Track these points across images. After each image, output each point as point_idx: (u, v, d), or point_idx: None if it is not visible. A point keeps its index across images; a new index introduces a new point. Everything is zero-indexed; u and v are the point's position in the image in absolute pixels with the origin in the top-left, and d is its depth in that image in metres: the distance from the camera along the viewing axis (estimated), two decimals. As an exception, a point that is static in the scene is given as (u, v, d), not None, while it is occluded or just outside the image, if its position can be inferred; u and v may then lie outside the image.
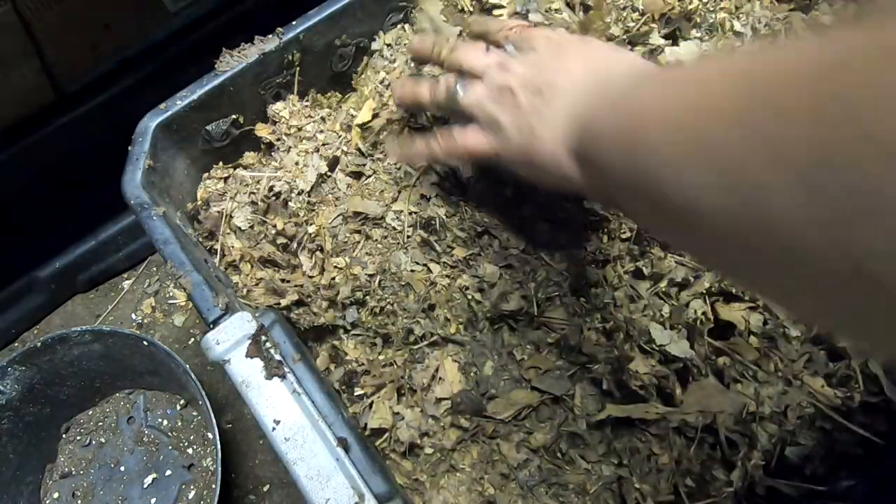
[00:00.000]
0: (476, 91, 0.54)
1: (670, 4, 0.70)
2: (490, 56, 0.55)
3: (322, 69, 0.77)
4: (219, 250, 0.69)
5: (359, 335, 0.68)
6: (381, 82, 0.76)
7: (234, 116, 0.72)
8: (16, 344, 1.17)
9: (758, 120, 0.26)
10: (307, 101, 0.77)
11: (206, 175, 0.74)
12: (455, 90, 0.56)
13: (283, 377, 0.55)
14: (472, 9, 0.74)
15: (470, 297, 0.66)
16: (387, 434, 0.63)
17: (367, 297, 0.66)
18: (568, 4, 0.72)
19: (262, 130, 0.75)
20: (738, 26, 0.71)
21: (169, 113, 0.67)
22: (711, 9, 0.72)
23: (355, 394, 0.65)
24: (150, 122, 0.66)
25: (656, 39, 0.68)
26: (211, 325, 0.57)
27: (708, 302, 0.65)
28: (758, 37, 0.68)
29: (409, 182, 0.70)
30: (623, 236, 0.68)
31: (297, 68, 0.74)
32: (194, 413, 1.05)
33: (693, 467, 0.61)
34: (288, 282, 0.68)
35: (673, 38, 0.71)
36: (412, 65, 0.75)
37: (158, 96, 0.67)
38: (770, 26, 0.68)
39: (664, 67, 0.49)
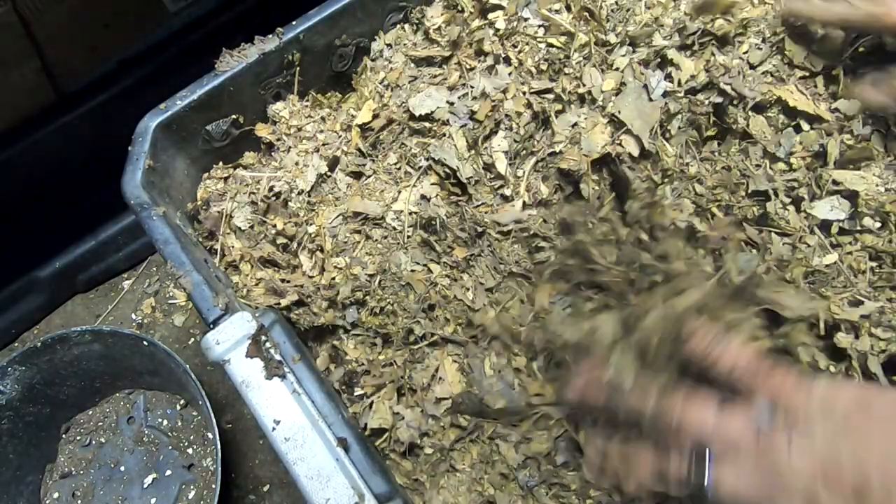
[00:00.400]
0: (733, 480, 0.39)
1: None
2: (734, 421, 0.41)
3: (322, 69, 0.77)
4: (219, 250, 0.69)
5: (359, 335, 0.68)
6: (381, 82, 0.76)
7: (234, 116, 0.72)
8: (16, 344, 1.17)
9: None
10: (307, 101, 0.77)
11: (206, 175, 0.74)
12: (699, 477, 0.40)
13: (283, 377, 0.55)
14: (472, 9, 0.74)
15: (470, 297, 0.66)
16: (387, 434, 0.63)
17: (367, 297, 0.66)
18: (567, 7, 0.72)
19: (262, 130, 0.75)
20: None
21: (169, 113, 0.67)
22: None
23: (355, 394, 0.65)
24: (150, 122, 0.66)
25: (659, 41, 0.68)
26: (211, 325, 0.57)
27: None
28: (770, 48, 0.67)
29: (409, 182, 0.70)
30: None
31: (297, 68, 0.74)
32: (194, 413, 1.05)
33: None
34: (288, 282, 0.68)
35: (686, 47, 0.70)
36: (412, 65, 0.75)
37: (158, 96, 0.67)
38: (772, 43, 0.67)
39: None
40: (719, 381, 0.44)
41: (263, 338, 0.57)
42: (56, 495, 1.01)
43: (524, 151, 0.69)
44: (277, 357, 0.56)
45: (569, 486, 0.62)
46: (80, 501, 1.01)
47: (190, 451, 1.03)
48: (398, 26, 0.79)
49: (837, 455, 0.36)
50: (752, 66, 0.67)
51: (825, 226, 0.62)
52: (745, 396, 0.42)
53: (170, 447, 1.03)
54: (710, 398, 0.43)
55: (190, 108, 0.68)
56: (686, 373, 0.46)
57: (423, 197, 0.69)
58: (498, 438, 0.64)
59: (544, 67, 0.69)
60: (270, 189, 0.70)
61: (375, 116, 0.73)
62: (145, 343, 0.91)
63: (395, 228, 0.69)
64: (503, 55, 0.71)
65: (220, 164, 0.75)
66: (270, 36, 0.70)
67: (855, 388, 0.41)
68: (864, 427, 0.37)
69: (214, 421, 0.85)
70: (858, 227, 0.61)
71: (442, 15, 0.76)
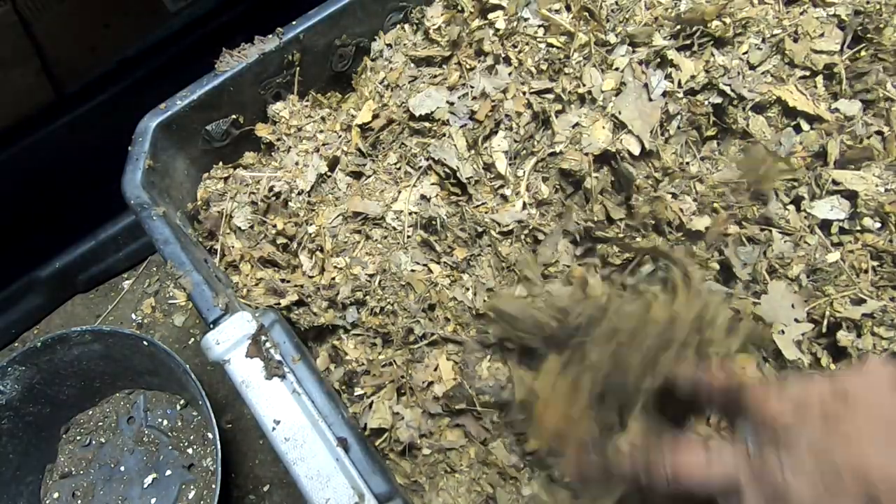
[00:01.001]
0: None
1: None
2: (725, 453, 0.37)
3: (322, 69, 0.77)
4: (219, 250, 0.69)
5: (359, 335, 0.68)
6: (381, 82, 0.76)
7: (234, 116, 0.72)
8: (16, 344, 1.17)
9: None
10: (307, 101, 0.77)
11: (206, 175, 0.74)
12: None
13: (283, 377, 0.55)
14: (472, 9, 0.74)
15: (470, 297, 0.66)
16: (386, 434, 0.63)
17: (367, 297, 0.66)
18: (567, 7, 0.72)
19: (262, 130, 0.75)
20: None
21: (169, 113, 0.67)
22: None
23: (355, 394, 0.65)
24: (150, 122, 0.66)
25: (659, 41, 0.68)
26: (211, 325, 0.57)
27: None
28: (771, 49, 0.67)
29: (409, 182, 0.70)
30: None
31: (297, 68, 0.74)
32: (194, 413, 1.05)
33: None
34: (288, 282, 0.68)
35: (686, 47, 0.70)
36: (412, 65, 0.76)
37: (158, 96, 0.67)
38: (772, 43, 0.67)
39: None
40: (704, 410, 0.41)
41: (263, 338, 0.57)
42: (56, 495, 1.01)
43: (524, 151, 0.69)
44: (277, 357, 0.56)
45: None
46: (80, 501, 1.01)
47: (190, 451, 1.03)
48: (398, 26, 0.79)
49: (830, 462, 0.33)
50: (751, 67, 0.67)
51: (825, 225, 0.62)
52: (730, 423, 0.40)
53: (170, 447, 1.03)
54: (692, 440, 0.40)
55: (190, 108, 0.68)
56: (659, 419, 0.44)
57: (423, 197, 0.69)
58: (497, 439, 0.64)
59: (544, 67, 0.69)
60: (270, 189, 0.70)
61: (375, 116, 0.73)
62: (145, 343, 0.91)
63: (395, 228, 0.69)
64: (503, 55, 0.71)
65: (220, 164, 0.75)
66: (270, 36, 0.70)
67: (825, 381, 0.37)
68: (848, 421, 0.34)
69: (214, 421, 0.85)
70: (859, 227, 0.61)
71: (442, 15, 0.76)
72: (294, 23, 0.71)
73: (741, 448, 0.37)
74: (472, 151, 0.69)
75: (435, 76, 0.74)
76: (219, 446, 0.85)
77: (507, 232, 0.68)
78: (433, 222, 0.67)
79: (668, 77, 0.67)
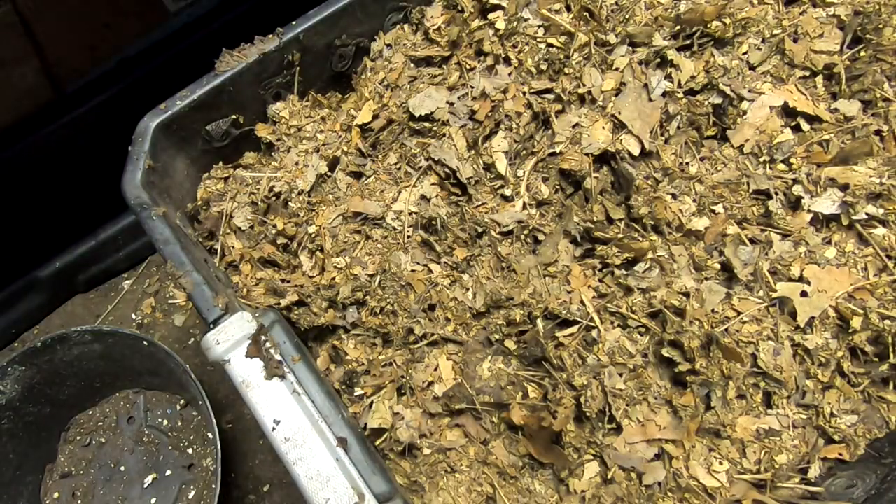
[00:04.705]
0: None
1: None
2: None
3: (322, 69, 0.77)
4: (219, 250, 0.69)
5: (359, 335, 0.68)
6: (381, 82, 0.76)
7: (234, 116, 0.72)
8: (16, 344, 1.17)
9: None
10: (307, 101, 0.77)
11: (206, 175, 0.74)
12: None
13: (283, 377, 0.55)
14: (472, 9, 0.74)
15: (470, 297, 0.66)
16: (386, 434, 0.63)
17: (368, 297, 0.66)
18: (567, 7, 0.72)
19: (262, 130, 0.75)
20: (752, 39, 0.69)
21: (169, 113, 0.67)
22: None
23: (355, 394, 0.65)
24: (150, 122, 0.66)
25: (659, 41, 0.68)
26: (211, 325, 0.57)
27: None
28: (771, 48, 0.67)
29: (409, 182, 0.70)
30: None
31: (297, 68, 0.74)
32: (194, 413, 1.05)
33: None
34: (288, 282, 0.68)
35: (686, 47, 0.70)
36: (412, 65, 0.76)
37: (158, 96, 0.67)
38: (772, 44, 0.67)
39: None
40: None
41: (263, 338, 0.57)
42: (56, 495, 1.01)
43: (524, 151, 0.69)
44: (277, 357, 0.56)
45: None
46: (80, 501, 1.01)
47: (190, 451, 1.03)
48: (398, 26, 0.79)
49: None
50: (751, 67, 0.67)
51: (825, 221, 0.62)
52: None
53: (170, 447, 1.03)
54: None
55: (190, 108, 0.68)
56: None
57: (423, 197, 0.69)
58: (493, 441, 0.64)
59: (544, 67, 0.69)
60: (270, 189, 0.70)
61: (375, 117, 0.73)
62: (145, 343, 0.91)
63: (395, 228, 0.69)
64: (503, 55, 0.71)
65: (220, 164, 0.75)
66: (270, 36, 0.70)
67: None
68: None
69: (214, 421, 0.85)
70: (860, 222, 0.61)
71: (442, 15, 0.76)
72: (294, 23, 0.71)
73: None
74: (472, 151, 0.69)
75: (435, 76, 0.74)
76: (219, 446, 0.85)
77: (507, 232, 0.68)
78: (433, 222, 0.67)
79: (668, 77, 0.67)
